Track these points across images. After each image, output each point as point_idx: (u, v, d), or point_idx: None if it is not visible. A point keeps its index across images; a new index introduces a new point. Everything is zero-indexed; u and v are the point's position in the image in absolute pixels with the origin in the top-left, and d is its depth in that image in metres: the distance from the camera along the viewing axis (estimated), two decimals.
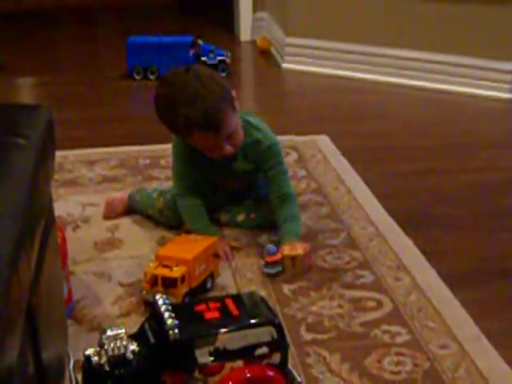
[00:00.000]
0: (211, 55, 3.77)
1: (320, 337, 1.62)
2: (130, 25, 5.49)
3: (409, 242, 2.03)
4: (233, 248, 2.00)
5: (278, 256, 1.87)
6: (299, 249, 1.88)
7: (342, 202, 2.28)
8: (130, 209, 2.21)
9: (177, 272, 1.70)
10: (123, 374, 1.21)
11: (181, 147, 2.04)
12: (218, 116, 1.84)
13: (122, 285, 1.84)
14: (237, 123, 1.93)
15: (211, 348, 1.24)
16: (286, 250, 1.88)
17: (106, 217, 2.20)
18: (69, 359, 1.40)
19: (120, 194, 2.26)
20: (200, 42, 3.81)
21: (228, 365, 1.26)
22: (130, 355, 1.22)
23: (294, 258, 1.87)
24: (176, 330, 1.23)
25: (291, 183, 2.08)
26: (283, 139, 2.77)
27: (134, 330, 1.32)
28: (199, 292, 1.76)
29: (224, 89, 1.89)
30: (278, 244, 1.93)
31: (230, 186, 2.12)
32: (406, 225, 2.12)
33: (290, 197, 2.02)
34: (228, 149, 1.92)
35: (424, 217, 2.22)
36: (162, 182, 2.43)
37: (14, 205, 1.04)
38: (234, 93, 1.93)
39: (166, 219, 2.12)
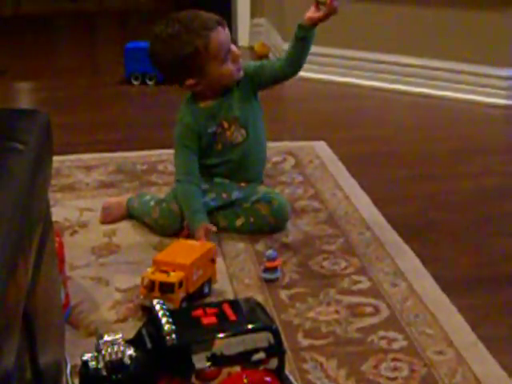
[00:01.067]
0: None
1: (317, 342, 1.62)
2: (128, 30, 5.50)
3: (406, 248, 2.03)
4: (209, 231, 2.00)
5: (277, 262, 1.87)
6: None
7: (340, 208, 2.29)
8: (128, 214, 2.22)
9: (174, 277, 1.70)
10: (120, 379, 1.21)
11: (187, 129, 2.11)
12: (220, 16, 2.12)
13: (119, 290, 1.84)
14: None
15: (208, 353, 1.24)
16: None
17: (103, 221, 2.20)
18: (66, 364, 1.40)
19: (117, 199, 2.26)
20: None
21: (225, 370, 1.26)
22: (127, 360, 1.22)
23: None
24: (173, 335, 1.23)
25: None
26: (281, 145, 2.79)
27: (131, 335, 1.32)
28: (196, 297, 1.76)
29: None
30: None
31: (229, 136, 2.15)
32: (403, 231, 2.13)
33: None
34: (238, 52, 2.15)
35: (421, 223, 2.23)
36: (160, 187, 2.43)
37: (12, 209, 1.04)
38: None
39: (161, 229, 2.12)
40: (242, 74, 2.14)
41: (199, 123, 2.12)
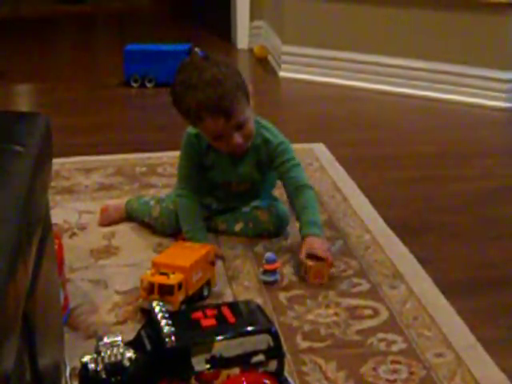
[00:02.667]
0: None
1: (316, 345, 1.62)
2: (128, 33, 5.50)
3: (405, 251, 2.04)
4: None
5: (277, 264, 1.87)
6: (320, 252, 1.86)
7: (339, 210, 2.29)
8: (127, 216, 2.22)
9: (173, 279, 1.70)
10: (120, 381, 1.21)
11: (191, 147, 2.06)
12: (231, 101, 1.86)
13: (118, 292, 1.84)
14: (249, 116, 1.94)
15: (208, 355, 1.24)
16: (305, 253, 1.87)
17: (101, 224, 2.20)
18: (65, 366, 1.40)
19: (116, 202, 2.26)
20: (197, 50, 3.80)
21: (224, 372, 1.26)
22: (126, 362, 1.22)
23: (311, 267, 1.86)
24: (172, 338, 1.23)
25: (306, 176, 2.06)
26: None
27: (130, 337, 1.32)
28: (196, 299, 1.77)
29: (241, 78, 1.92)
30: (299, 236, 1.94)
31: (234, 190, 2.12)
32: (402, 233, 2.13)
33: (304, 188, 1.99)
34: (237, 139, 1.93)
35: (420, 225, 2.23)
36: (160, 189, 2.43)
37: (12, 212, 1.04)
38: (249, 88, 1.98)
39: (162, 227, 2.12)
40: (243, 143, 1.96)
41: (202, 156, 2.07)
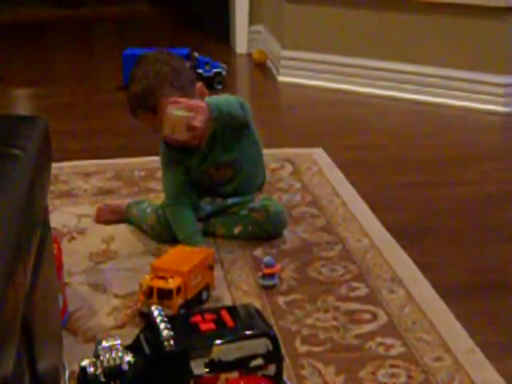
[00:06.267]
0: (207, 68, 3.77)
1: (315, 349, 1.62)
2: (127, 37, 5.50)
3: (403, 255, 2.04)
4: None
5: (276, 268, 1.88)
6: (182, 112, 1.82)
7: (337, 215, 2.29)
8: (127, 220, 2.22)
9: (172, 283, 1.70)
10: None
11: (166, 155, 2.10)
12: (155, 98, 1.93)
13: (117, 296, 1.84)
14: None
15: (206, 359, 1.24)
16: (171, 108, 1.82)
17: (97, 220, 2.23)
18: (64, 370, 1.40)
19: (117, 202, 2.30)
20: (196, 54, 3.82)
21: (223, 376, 1.26)
22: (125, 366, 1.22)
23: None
24: (171, 342, 1.23)
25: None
26: (278, 152, 2.79)
27: (129, 341, 1.32)
28: (194, 304, 1.77)
29: (176, 76, 1.96)
30: None
31: (217, 179, 2.12)
32: (400, 237, 2.13)
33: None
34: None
35: (419, 229, 2.23)
36: (159, 193, 2.43)
37: (11, 215, 1.04)
38: (199, 84, 2.02)
39: (158, 235, 2.13)
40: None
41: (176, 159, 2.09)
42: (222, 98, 2.01)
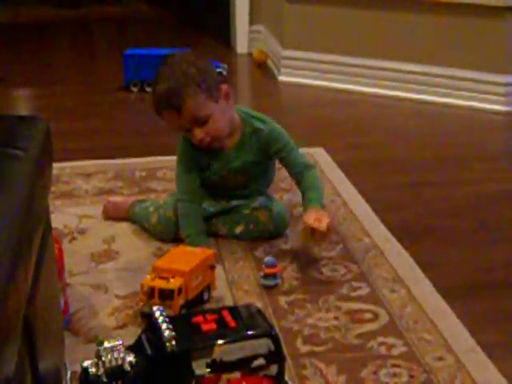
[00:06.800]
0: None
1: (316, 349, 1.62)
2: (127, 37, 5.51)
3: (405, 254, 2.04)
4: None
5: (277, 268, 1.87)
6: (324, 221, 1.87)
7: (338, 214, 2.29)
8: (130, 218, 2.23)
9: (174, 284, 1.70)
10: None
11: (185, 152, 2.08)
12: (181, 97, 1.92)
13: (118, 297, 1.84)
14: (213, 112, 1.96)
15: (208, 360, 1.24)
16: (311, 219, 1.88)
17: (105, 217, 2.27)
18: (66, 371, 1.40)
19: (120, 198, 2.32)
20: None
21: (225, 376, 1.26)
22: (127, 367, 1.23)
23: (313, 231, 1.87)
24: (173, 342, 1.23)
25: (305, 156, 2.12)
26: None
27: (130, 341, 1.32)
28: (196, 304, 1.76)
29: (203, 77, 1.95)
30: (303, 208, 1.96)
31: (231, 186, 2.13)
32: (402, 237, 2.13)
33: (306, 168, 2.06)
34: (198, 134, 1.96)
35: (420, 229, 2.23)
36: (160, 194, 2.43)
37: (12, 216, 1.04)
38: (225, 87, 2.01)
39: (159, 234, 2.13)
40: (208, 138, 1.98)
41: (195, 158, 2.09)
42: (317, 182, 2.06)
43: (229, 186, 2.13)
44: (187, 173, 2.09)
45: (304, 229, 1.90)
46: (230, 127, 2.04)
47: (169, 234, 2.11)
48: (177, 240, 2.07)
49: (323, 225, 1.86)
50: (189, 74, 1.93)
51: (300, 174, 2.06)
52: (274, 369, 1.30)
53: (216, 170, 2.09)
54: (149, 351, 1.26)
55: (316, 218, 1.89)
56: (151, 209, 2.17)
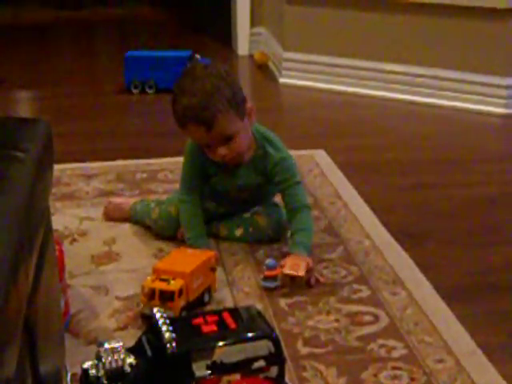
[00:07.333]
0: None
1: (317, 351, 1.62)
2: (128, 39, 5.51)
3: (405, 256, 2.04)
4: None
5: (277, 270, 1.87)
6: (301, 269, 1.84)
7: (339, 216, 2.29)
8: (131, 219, 2.24)
9: (174, 285, 1.70)
10: None
11: (193, 155, 2.06)
12: (212, 113, 1.86)
13: (119, 298, 1.84)
14: (239, 130, 1.93)
15: (208, 361, 1.24)
16: (287, 267, 1.85)
17: (106, 218, 2.27)
18: (66, 372, 1.40)
19: (120, 199, 2.32)
20: (197, 56, 3.82)
21: (225, 378, 1.26)
22: (127, 368, 1.22)
23: (293, 278, 1.87)
24: (173, 344, 1.23)
25: (305, 194, 2.07)
26: None
27: (131, 343, 1.32)
28: (196, 306, 1.77)
29: (233, 93, 1.90)
30: (278, 259, 1.93)
31: (235, 197, 2.13)
32: (402, 239, 2.13)
33: (301, 208, 2.00)
34: (221, 151, 1.93)
35: (420, 231, 2.23)
36: (160, 195, 2.43)
37: (13, 217, 1.04)
38: (249, 104, 1.97)
39: (161, 229, 2.14)
40: (230, 155, 1.95)
41: (203, 164, 2.07)
42: (308, 225, 2.00)
43: (231, 197, 2.13)
44: (192, 175, 2.08)
45: (283, 275, 1.89)
46: (249, 144, 2.01)
47: (170, 229, 2.12)
48: (177, 241, 2.07)
49: (301, 272, 1.84)
50: (220, 89, 1.87)
51: (294, 212, 2.00)
52: (274, 371, 1.30)
53: (220, 181, 2.08)
54: (149, 353, 1.26)
55: (293, 265, 1.86)
56: (152, 205, 2.19)
